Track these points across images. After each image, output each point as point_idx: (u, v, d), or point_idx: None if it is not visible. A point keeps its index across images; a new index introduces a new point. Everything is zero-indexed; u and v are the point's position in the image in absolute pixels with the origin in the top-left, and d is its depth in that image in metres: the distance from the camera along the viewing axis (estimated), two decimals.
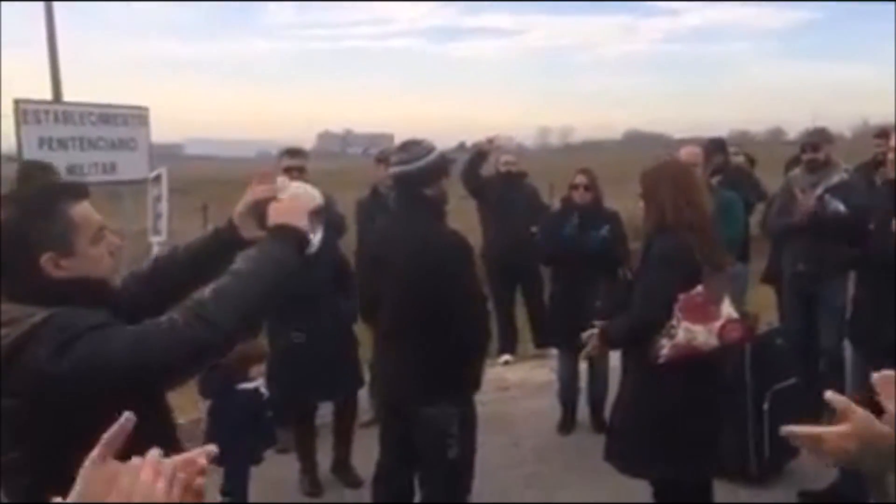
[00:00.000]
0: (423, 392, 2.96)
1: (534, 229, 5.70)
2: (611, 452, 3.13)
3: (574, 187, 4.80)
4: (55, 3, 8.74)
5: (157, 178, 4.64)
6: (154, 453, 0.95)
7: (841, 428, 1.14)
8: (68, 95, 9.50)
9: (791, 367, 4.13)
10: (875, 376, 1.17)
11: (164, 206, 4.50)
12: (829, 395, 1.17)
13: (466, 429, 3.03)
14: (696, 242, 2.85)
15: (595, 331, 3.12)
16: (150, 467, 0.93)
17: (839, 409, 1.15)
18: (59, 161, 5.87)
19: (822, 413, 1.24)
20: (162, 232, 4.55)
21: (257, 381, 3.68)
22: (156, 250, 4.63)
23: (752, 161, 6.89)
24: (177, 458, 0.98)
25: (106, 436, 0.94)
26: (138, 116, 6.30)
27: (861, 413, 1.13)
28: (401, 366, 3.04)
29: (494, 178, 6.33)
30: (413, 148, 3.00)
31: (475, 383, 3.11)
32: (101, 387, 1.41)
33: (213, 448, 1.03)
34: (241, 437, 3.48)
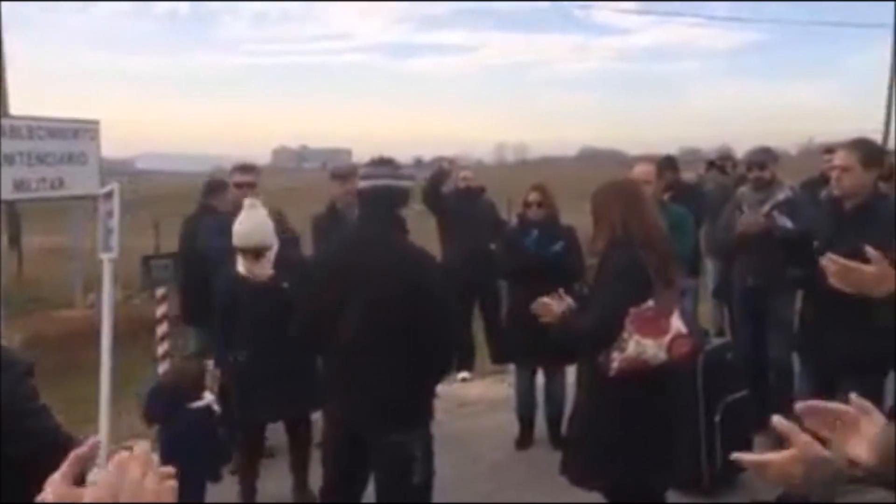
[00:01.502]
0: (392, 420, 2.90)
1: (492, 245, 5.75)
2: (565, 465, 3.16)
3: (528, 205, 4.85)
4: (2, 14, 8.53)
5: (109, 194, 4.53)
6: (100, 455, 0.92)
7: (786, 453, 1.17)
8: (16, 108, 9.27)
9: (741, 380, 4.22)
10: (799, 406, 1.20)
11: (115, 222, 4.40)
12: (776, 419, 1.20)
13: (427, 451, 3.00)
14: (647, 258, 2.91)
15: (564, 305, 3.05)
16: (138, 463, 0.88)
17: (785, 433, 1.18)
18: (6, 177, 5.70)
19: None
20: (113, 249, 4.44)
21: (209, 399, 3.62)
22: (107, 267, 4.52)
23: (723, 169, 7.07)
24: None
25: (76, 453, 0.92)
26: (88, 130, 6.16)
27: (805, 438, 1.16)
28: (366, 389, 2.93)
29: (453, 193, 6.38)
30: (396, 167, 3.08)
31: (431, 406, 3.10)
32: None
33: (171, 469, 1.01)
34: (195, 455, 3.41)
